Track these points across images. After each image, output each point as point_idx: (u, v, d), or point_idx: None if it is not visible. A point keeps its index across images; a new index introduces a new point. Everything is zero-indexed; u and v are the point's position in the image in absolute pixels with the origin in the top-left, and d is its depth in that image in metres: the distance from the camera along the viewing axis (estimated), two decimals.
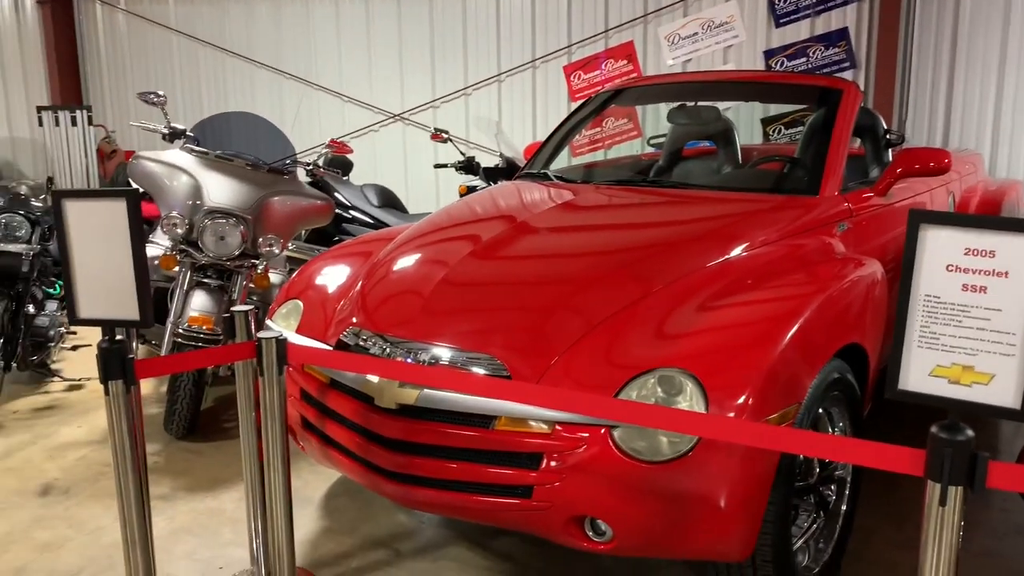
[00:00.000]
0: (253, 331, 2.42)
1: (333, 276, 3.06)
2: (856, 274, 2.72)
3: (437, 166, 5.91)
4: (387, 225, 5.83)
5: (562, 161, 7.25)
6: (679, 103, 4.08)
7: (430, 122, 7.60)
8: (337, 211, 6.08)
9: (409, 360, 2.42)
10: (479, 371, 2.33)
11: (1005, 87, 5.95)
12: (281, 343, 2.22)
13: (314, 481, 3.46)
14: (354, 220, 6.05)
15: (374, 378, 2.41)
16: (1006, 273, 1.36)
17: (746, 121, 6.70)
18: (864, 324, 2.66)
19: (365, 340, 2.56)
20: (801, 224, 2.94)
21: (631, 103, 4.69)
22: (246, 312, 2.38)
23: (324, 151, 4.76)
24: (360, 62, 7.86)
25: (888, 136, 3.94)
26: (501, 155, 5.93)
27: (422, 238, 3.01)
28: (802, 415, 2.29)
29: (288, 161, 4.46)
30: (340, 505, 3.27)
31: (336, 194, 6.07)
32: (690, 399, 2.16)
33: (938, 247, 1.41)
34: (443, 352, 2.39)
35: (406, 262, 2.83)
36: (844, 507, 2.68)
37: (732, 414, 2.11)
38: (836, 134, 3.26)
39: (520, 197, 3.36)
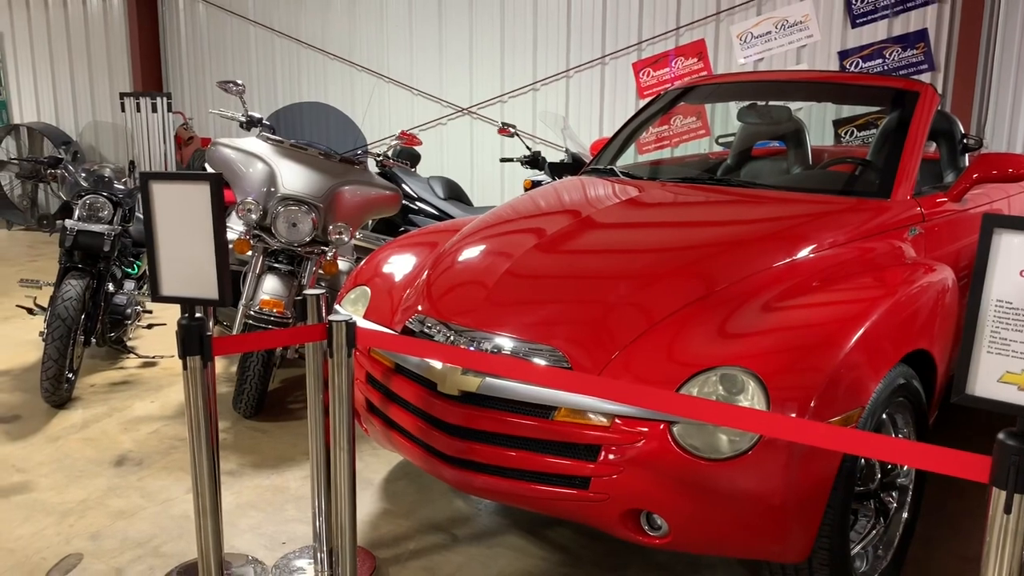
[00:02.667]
0: (324, 314, 2.49)
1: (400, 265, 3.13)
2: (926, 279, 2.68)
3: (503, 160, 5.94)
4: (452, 217, 5.91)
5: (628, 158, 7.26)
6: (750, 102, 4.04)
7: (498, 117, 7.65)
8: (404, 202, 6.18)
9: (472, 348, 2.46)
10: (540, 362, 2.36)
11: None
12: (351, 326, 2.29)
13: (375, 464, 3.55)
14: (420, 211, 6.14)
15: (437, 364, 2.46)
16: None
17: (818, 122, 6.60)
18: (932, 330, 2.62)
19: (430, 327, 2.62)
20: (871, 227, 2.90)
21: (700, 101, 4.65)
22: (318, 296, 2.46)
23: (394, 142, 4.85)
24: (431, 56, 7.96)
25: (965, 141, 3.85)
26: (567, 150, 5.94)
27: (488, 230, 3.06)
28: (865, 419, 2.27)
29: (359, 151, 4.56)
30: (399, 489, 3.34)
31: (404, 185, 6.17)
32: (752, 398, 2.16)
33: (1011, 252, 1.39)
34: (506, 342, 2.43)
35: (471, 253, 2.88)
36: (905, 515, 2.65)
37: (794, 414, 2.11)
38: (910, 137, 3.21)
39: (585, 192, 3.39)
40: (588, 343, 2.38)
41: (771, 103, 4.00)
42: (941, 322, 2.69)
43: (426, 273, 2.91)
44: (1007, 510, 1.43)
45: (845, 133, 6.46)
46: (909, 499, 2.66)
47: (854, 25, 6.41)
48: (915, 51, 6.25)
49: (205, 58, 9.34)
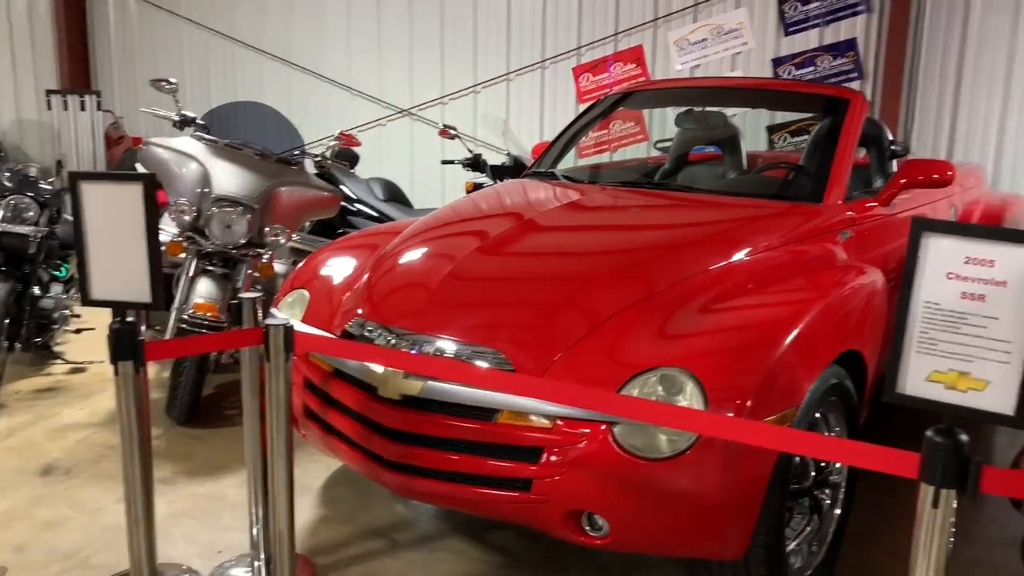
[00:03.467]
0: (260, 318, 2.45)
1: (339, 267, 3.09)
2: (857, 282, 2.75)
3: (444, 162, 5.93)
4: (392, 219, 5.85)
5: (569, 162, 7.29)
6: (687, 108, 4.10)
7: (438, 118, 7.62)
8: (342, 203, 6.10)
9: (414, 351, 2.45)
10: (483, 364, 2.36)
11: (1010, 101, 5.98)
12: (288, 330, 2.25)
13: (313, 470, 3.50)
14: (359, 213, 6.08)
15: (378, 368, 2.44)
16: (1004, 282, 1.39)
17: (752, 128, 6.73)
18: (863, 332, 2.70)
19: (370, 331, 2.59)
20: (804, 231, 2.97)
21: (639, 107, 4.72)
22: (254, 299, 2.42)
23: (332, 143, 4.79)
24: (370, 56, 7.89)
25: (893, 147, 3.97)
26: (508, 153, 5.94)
27: (429, 232, 3.05)
28: (799, 418, 2.32)
29: (296, 151, 4.50)
30: (338, 494, 3.30)
31: (342, 186, 6.08)
32: (690, 398, 2.19)
33: (939, 255, 1.44)
34: (448, 345, 2.42)
35: (413, 255, 2.86)
36: (838, 511, 2.71)
37: (731, 414, 2.15)
38: (842, 143, 3.29)
39: (527, 195, 3.40)
40: (530, 345, 2.38)
41: (708, 109, 4.07)
42: (871, 323, 2.77)
43: (366, 276, 2.88)
44: (935, 505, 1.48)
45: (779, 139, 6.61)
46: (842, 496, 2.73)
47: (787, 33, 6.56)
48: (845, 59, 6.43)
49: (136, 55, 9.10)
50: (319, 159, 4.65)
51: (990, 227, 1.39)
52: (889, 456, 1.52)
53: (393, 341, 2.51)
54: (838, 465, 2.72)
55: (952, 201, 4.33)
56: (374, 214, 6.03)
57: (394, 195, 6.33)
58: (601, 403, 1.87)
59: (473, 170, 5.84)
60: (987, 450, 3.90)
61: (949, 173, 3.27)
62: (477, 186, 5.76)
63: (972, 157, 6.13)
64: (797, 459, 2.49)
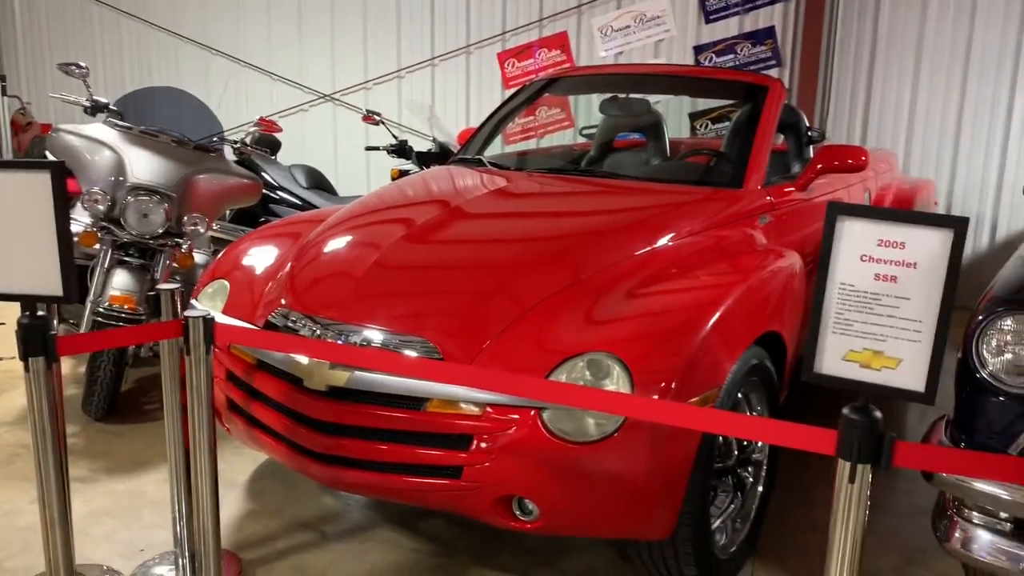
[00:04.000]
0: (180, 310, 2.38)
1: (261, 257, 3.03)
2: (776, 265, 2.82)
3: (368, 148, 5.85)
4: (315, 207, 5.76)
5: (495, 148, 7.28)
6: (611, 95, 4.14)
7: (362, 104, 7.51)
8: (264, 191, 5.97)
9: (340, 342, 2.41)
10: (411, 353, 2.34)
11: (919, 89, 6.21)
12: (208, 322, 2.19)
13: (239, 464, 3.43)
14: (281, 201, 5.96)
15: (303, 359, 2.40)
16: (915, 264, 1.45)
17: (675, 115, 6.83)
18: (782, 313, 2.77)
19: (294, 321, 2.54)
20: (725, 216, 3.03)
21: (564, 93, 4.73)
22: (173, 290, 2.35)
23: (252, 129, 4.68)
24: (290, 40, 7.71)
25: (810, 133, 4.08)
26: (434, 140, 5.91)
27: (354, 220, 3.00)
28: (722, 399, 2.37)
29: (215, 138, 4.38)
30: (265, 488, 3.24)
31: (263, 174, 5.96)
32: (617, 382, 2.21)
33: (853, 238, 1.48)
34: (375, 334, 2.40)
35: (337, 244, 2.82)
36: (760, 488, 2.79)
37: (656, 396, 2.18)
38: (760, 129, 3.37)
39: (453, 182, 3.38)
40: (458, 333, 2.37)
41: (631, 96, 4.12)
42: (790, 305, 2.84)
43: (289, 265, 2.82)
44: (851, 480, 1.53)
45: (700, 125, 6.72)
46: (764, 473, 2.81)
47: (707, 21, 6.67)
48: (764, 47, 6.57)
49: (44, 38, 8.70)
50: (238, 146, 4.54)
51: (901, 211, 1.44)
52: (808, 434, 1.56)
53: (318, 331, 2.47)
54: (760, 444, 2.80)
55: (866, 185, 4.48)
56: (297, 202, 5.92)
57: (317, 182, 6.23)
58: (530, 389, 1.88)
59: (398, 156, 5.79)
60: (899, 426, 4.06)
61: (863, 158, 3.37)
62: (402, 173, 5.70)
63: (885, 143, 6.35)
64: (721, 439, 2.55)
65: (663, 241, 2.79)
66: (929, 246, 1.43)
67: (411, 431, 2.31)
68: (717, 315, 2.40)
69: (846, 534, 1.58)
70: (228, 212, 5.98)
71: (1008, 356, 2.07)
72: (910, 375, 1.48)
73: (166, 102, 6.76)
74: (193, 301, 3.00)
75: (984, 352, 2.09)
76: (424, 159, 5.78)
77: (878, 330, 1.49)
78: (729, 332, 2.44)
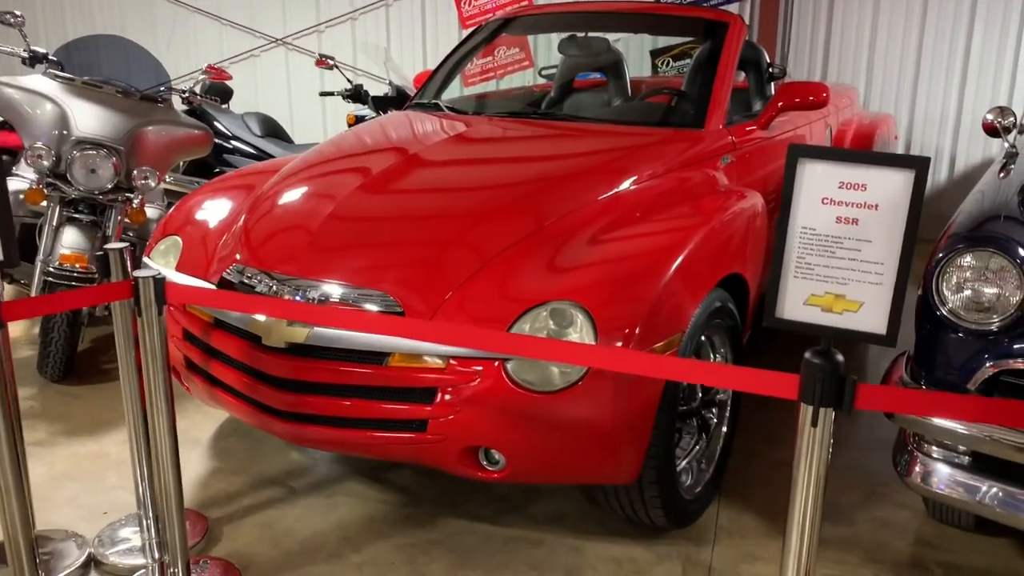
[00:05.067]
0: (130, 269, 2.30)
1: (214, 210, 2.94)
2: (738, 206, 2.80)
3: (323, 94, 5.70)
4: (270, 156, 5.63)
5: (454, 91, 7.14)
6: (570, 34, 4.05)
7: (315, 48, 7.31)
8: (217, 141, 5.81)
9: (298, 298, 2.36)
10: (371, 308, 2.30)
11: (879, 22, 6.17)
12: (159, 282, 2.12)
13: (202, 422, 3.38)
14: (235, 151, 5.81)
15: (261, 316, 2.35)
16: (876, 206, 1.43)
17: (636, 53, 6.74)
18: (745, 255, 2.76)
19: (250, 277, 2.48)
20: (687, 157, 2.99)
21: (522, 32, 4.62)
22: (121, 249, 2.26)
23: (200, 77, 4.52)
24: None
25: (771, 70, 4.04)
26: (390, 83, 5.77)
27: (309, 170, 2.92)
28: (685, 343, 2.37)
29: (162, 88, 4.22)
30: (230, 445, 3.21)
31: (216, 123, 5.81)
32: (580, 330, 2.20)
33: (814, 181, 1.46)
34: (333, 289, 2.35)
35: (292, 195, 2.74)
36: (724, 429, 2.82)
37: (620, 343, 2.17)
38: (721, 68, 3.32)
39: (411, 128, 3.30)
40: (420, 285, 2.33)
41: (590, 35, 4.03)
42: (752, 246, 2.84)
43: (243, 218, 2.75)
44: (814, 423, 1.53)
45: (662, 63, 6.64)
46: (728, 414, 2.83)
47: None
48: None
49: None
50: (187, 95, 4.38)
51: (863, 152, 1.41)
52: (770, 379, 1.56)
53: (275, 287, 2.41)
54: None
55: (828, 122, 4.47)
56: (252, 151, 5.78)
57: (272, 130, 6.08)
58: (492, 343, 1.85)
59: (354, 102, 5.65)
60: (860, 365, 4.12)
61: (824, 95, 3.35)
62: (359, 118, 5.58)
63: (845, 78, 6.33)
64: (685, 383, 2.56)
65: (625, 185, 2.75)
66: (890, 187, 1.41)
67: (374, 386, 2.28)
68: (679, 259, 2.38)
69: (809, 476, 1.59)
70: (182, 164, 5.84)
71: (967, 293, 2.08)
72: (872, 318, 1.47)
73: (109, 52, 6.48)
74: (145, 259, 2.92)
75: (944, 289, 2.10)
76: (380, 104, 5.66)
77: (840, 274, 1.48)
78: (692, 276, 2.43)
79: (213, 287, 2.57)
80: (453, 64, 3.91)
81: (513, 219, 2.55)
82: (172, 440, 2.25)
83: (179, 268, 2.74)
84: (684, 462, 2.68)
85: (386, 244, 2.46)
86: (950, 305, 2.09)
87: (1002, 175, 2.98)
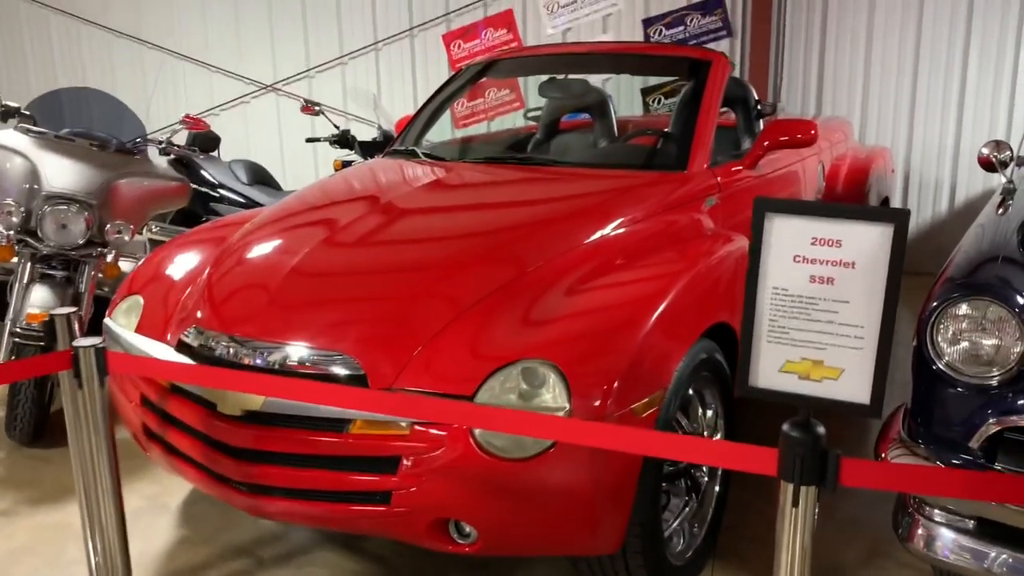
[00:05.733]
0: (78, 333, 2.18)
1: (180, 266, 2.83)
2: (724, 250, 2.68)
3: (309, 140, 5.63)
4: (258, 204, 5.54)
5: (444, 133, 7.07)
6: (549, 76, 3.96)
7: (305, 93, 7.26)
8: (204, 190, 5.74)
9: (258, 361, 2.24)
10: (335, 369, 2.17)
11: (873, 55, 6.09)
12: (100, 352, 2.00)
13: (172, 487, 3.23)
14: (222, 199, 5.73)
15: None
16: (852, 263, 1.30)
17: (627, 91, 6.66)
18: (732, 302, 2.62)
19: (208, 340, 2.35)
20: (670, 201, 2.87)
21: (503, 76, 4.56)
22: (68, 315, 2.15)
23: (178, 127, 4.44)
24: (227, 29, 7.41)
25: (759, 107, 3.93)
26: (379, 128, 5.69)
27: (274, 224, 2.81)
28: (668, 400, 2.23)
29: (138, 140, 4.14)
30: (200, 511, 3.06)
31: (202, 172, 5.73)
32: (553, 390, 2.06)
33: (785, 237, 1.33)
34: (292, 351, 2.22)
35: (254, 251, 2.63)
36: (717, 488, 2.66)
37: (597, 402, 2.03)
38: (704, 107, 3.21)
39: (384, 176, 3.19)
40: (384, 344, 2.20)
41: (571, 77, 3.93)
42: (740, 293, 2.69)
43: (205, 276, 2.63)
44: (795, 503, 1.38)
45: (653, 101, 6.56)
46: (720, 471, 2.67)
47: None
48: (714, 17, 6.41)
49: None
50: (164, 146, 4.30)
51: (835, 205, 1.28)
52: (746, 454, 1.42)
53: (233, 351, 2.28)
54: (718, 436, 2.66)
55: (820, 158, 4.35)
56: (239, 199, 5.69)
57: (260, 178, 6.00)
58: (453, 414, 1.71)
59: (342, 147, 5.57)
60: (845, 435, 3.93)
61: (812, 132, 3.23)
62: (345, 164, 5.49)
63: (840, 110, 6.23)
64: None
65: (604, 232, 2.64)
66: (867, 243, 1.28)
67: (335, 455, 2.14)
68: (660, 310, 2.26)
69: (792, 558, 1.44)
70: (171, 214, 5.76)
71: (964, 345, 1.94)
72: (853, 386, 1.33)
73: (81, 103, 6.40)
74: (107, 319, 2.80)
75: (939, 341, 1.96)
76: (368, 149, 5.57)
77: (817, 338, 1.34)
78: (674, 327, 2.30)
79: (171, 350, 2.44)
80: (432, 110, 3.81)
81: (487, 269, 2.43)
82: (119, 517, 2.12)
83: (139, 329, 2.62)
84: (674, 525, 2.52)
85: (350, 300, 2.34)
86: (947, 358, 1.94)
87: (1000, 211, 2.85)
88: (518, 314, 2.28)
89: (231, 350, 2.28)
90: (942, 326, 1.94)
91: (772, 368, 1.37)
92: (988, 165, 3.15)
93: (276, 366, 2.22)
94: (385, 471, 2.10)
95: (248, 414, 2.18)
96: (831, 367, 1.34)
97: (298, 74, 7.35)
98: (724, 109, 4.07)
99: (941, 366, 1.94)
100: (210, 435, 2.26)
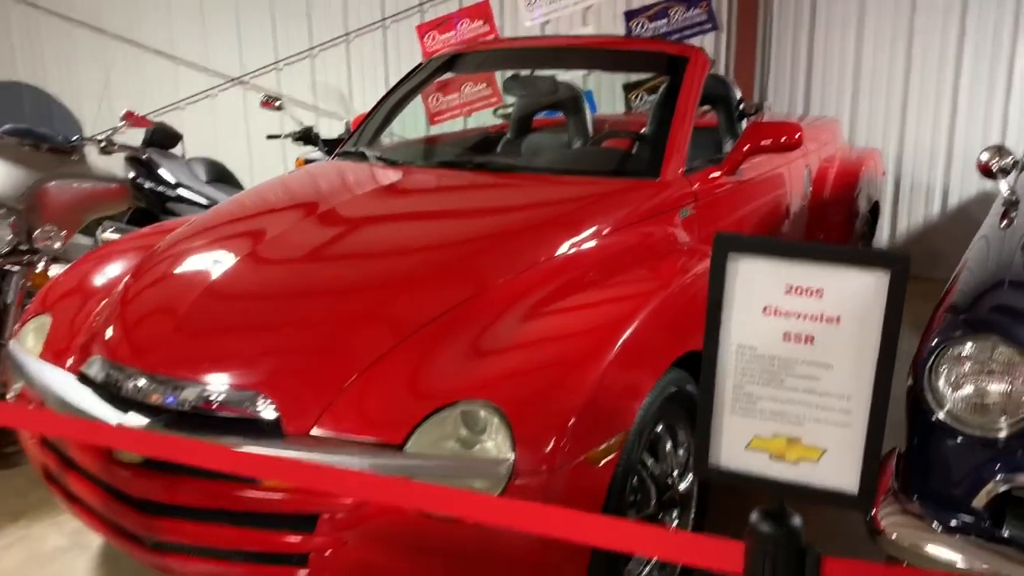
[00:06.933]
0: None
1: (97, 281, 2.55)
2: (699, 268, 2.41)
3: (270, 137, 5.35)
4: (218, 203, 5.25)
5: (421, 129, 6.78)
6: (513, 73, 3.67)
7: (274, 86, 6.97)
8: (160, 189, 5.46)
9: (170, 399, 1.96)
10: (247, 410, 1.90)
11: (863, 53, 5.82)
12: None
13: None
14: (180, 199, 5.44)
15: (112, 420, 1.93)
16: (837, 319, 1.03)
17: (609, 87, 6.38)
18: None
19: (110, 373, 2.07)
20: (640, 212, 2.60)
21: (467, 72, 4.29)
22: None
23: (119, 125, 4.15)
24: (192, 20, 7.10)
25: (742, 106, 3.66)
26: (347, 124, 5.40)
27: (198, 235, 2.52)
28: (631, 443, 1.96)
29: (76, 139, 3.85)
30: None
31: (160, 170, 5.45)
32: (495, 436, 1.80)
33: (753, 283, 1.06)
34: (199, 389, 1.94)
35: (171, 266, 2.34)
36: (691, 526, 2.39)
37: (547, 450, 1.77)
38: (680, 108, 2.93)
39: (326, 181, 2.91)
40: (305, 379, 1.93)
41: (536, 74, 3.65)
42: None
43: (114, 296, 2.34)
44: None
45: (636, 98, 6.27)
46: (693, 514, 2.41)
47: None
48: (699, 10, 6.11)
49: None
50: (103, 144, 4.01)
51: (816, 245, 1.01)
52: (709, 548, 1.15)
53: (137, 386, 2.00)
54: (688, 474, 2.39)
55: (807, 161, 4.09)
56: (198, 199, 5.40)
57: (221, 176, 5.70)
58: (359, 488, 1.44)
59: (305, 144, 5.28)
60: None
61: (797, 135, 2.96)
62: (308, 163, 5.21)
63: (829, 109, 5.96)
64: (635, 479, 2.14)
65: (565, 248, 2.37)
66: (856, 294, 1.01)
67: (245, 511, 1.86)
68: (624, 338, 2.00)
69: None
70: (128, 213, 5.48)
71: (968, 390, 1.68)
72: (837, 470, 1.07)
73: (14, 99, 6.09)
74: (11, 343, 2.51)
75: (940, 385, 1.69)
76: (334, 146, 5.27)
77: (793, 410, 1.08)
78: (641, 358, 2.04)
79: (74, 380, 2.16)
80: (388, 109, 3.51)
81: (435, 289, 2.17)
82: None
83: (44, 354, 2.34)
84: (645, 570, 2.25)
85: (269, 326, 2.06)
86: (948, 406, 1.68)
87: (1004, 224, 2.59)
88: (466, 343, 2.02)
89: (134, 386, 2.00)
90: (943, 368, 1.67)
91: (737, 445, 1.10)
92: (988, 172, 2.89)
93: (186, 406, 1.95)
94: (302, 529, 1.82)
95: (148, 460, 1.90)
96: (810, 446, 1.07)
97: (266, 67, 7.05)
98: (706, 108, 3.81)
99: (942, 416, 1.68)
100: (110, 483, 1.98)
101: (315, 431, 1.87)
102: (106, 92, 6.32)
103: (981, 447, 1.66)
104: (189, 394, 1.94)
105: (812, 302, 1.04)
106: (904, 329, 1.05)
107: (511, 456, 1.75)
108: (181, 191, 5.48)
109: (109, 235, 4.75)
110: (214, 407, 1.92)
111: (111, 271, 2.59)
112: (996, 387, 1.64)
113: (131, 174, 5.52)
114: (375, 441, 1.81)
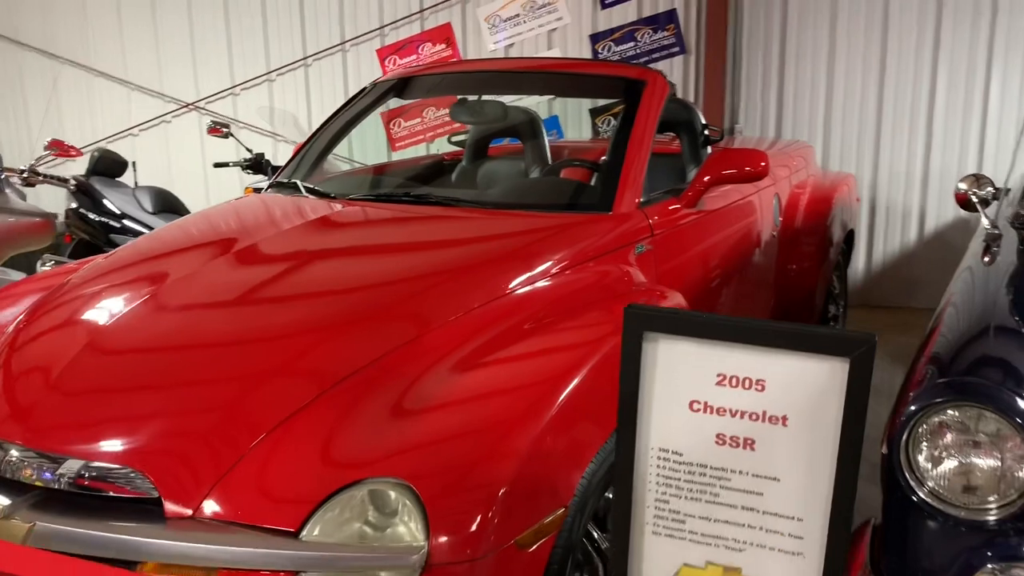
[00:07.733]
0: None
1: None
2: None
3: (217, 165, 5.10)
4: None
5: (382, 155, 6.54)
6: (460, 98, 3.44)
7: (230, 111, 6.71)
8: (104, 220, 5.20)
9: (47, 475, 1.70)
10: (124, 489, 1.64)
11: (835, 76, 5.66)
12: None
13: None
14: (125, 230, 5.17)
15: None
16: (783, 419, 0.79)
17: (575, 112, 6.19)
18: None
19: None
20: (589, 250, 2.37)
21: (415, 96, 4.06)
22: None
23: (45, 153, 3.89)
24: (146, 43, 6.84)
25: (707, 131, 3.45)
26: None
27: (96, 280, 2.26)
28: (571, 520, 1.72)
29: None
30: None
31: (104, 200, 5.19)
32: (408, 521, 1.55)
33: (676, 372, 0.82)
34: (71, 465, 1.68)
35: (57, 315, 2.08)
36: None
37: (466, 536, 1.53)
38: (635, 137, 2.70)
39: (251, 215, 2.66)
40: (191, 452, 1.68)
41: (484, 99, 3.42)
42: None
43: None
44: None
45: (603, 123, 6.08)
46: None
47: (604, 6, 6.02)
48: (666, 33, 5.96)
49: None
50: (26, 175, 3.75)
51: (755, 324, 0.77)
52: None
53: (8, 460, 1.73)
54: None
55: (777, 189, 3.89)
56: (143, 230, 5.14)
57: (168, 205, 5.44)
58: None
59: (256, 172, 5.03)
60: None
61: (763, 164, 2.75)
62: (257, 192, 4.97)
63: (802, 133, 5.79)
64: (580, 555, 1.89)
65: (506, 290, 2.14)
66: (807, 387, 0.77)
67: None
68: (565, 395, 1.77)
69: None
70: (72, 246, 5.22)
71: (951, 464, 1.44)
72: None
73: None
74: None
75: (919, 459, 1.46)
76: None
77: (730, 532, 0.83)
78: (582, 419, 1.80)
79: None
80: (329, 136, 3.26)
81: (356, 340, 1.94)
82: None
83: None
84: None
85: (155, 386, 1.81)
86: (930, 485, 1.44)
87: (987, 260, 2.38)
88: (387, 401, 1.79)
89: (4, 459, 1.74)
90: (924, 443, 1.43)
91: (661, 574, 0.85)
92: (966, 204, 2.69)
93: (62, 483, 1.69)
94: None
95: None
96: None
97: (222, 91, 6.79)
98: (670, 135, 3.60)
99: (923, 495, 1.44)
100: None
101: (205, 510, 1.62)
102: (46, 119, 6.04)
103: (968, 530, 1.42)
104: (63, 470, 1.68)
105: (752, 396, 0.80)
106: (878, 362, 0.81)
107: (425, 544, 1.50)
108: (126, 222, 5.23)
109: (49, 269, 4.48)
110: (89, 484, 1.66)
111: (5, 315, 2.32)
112: (984, 462, 1.40)
113: (74, 204, 5.27)
114: (266, 527, 1.55)
